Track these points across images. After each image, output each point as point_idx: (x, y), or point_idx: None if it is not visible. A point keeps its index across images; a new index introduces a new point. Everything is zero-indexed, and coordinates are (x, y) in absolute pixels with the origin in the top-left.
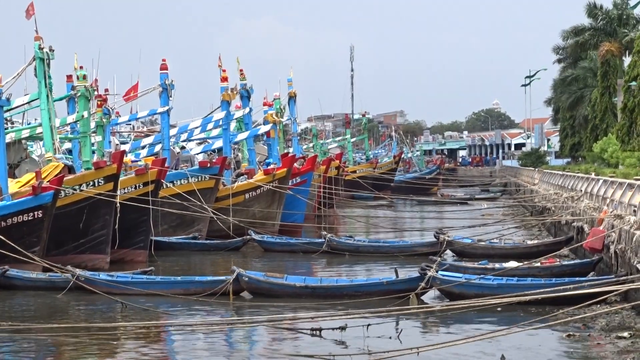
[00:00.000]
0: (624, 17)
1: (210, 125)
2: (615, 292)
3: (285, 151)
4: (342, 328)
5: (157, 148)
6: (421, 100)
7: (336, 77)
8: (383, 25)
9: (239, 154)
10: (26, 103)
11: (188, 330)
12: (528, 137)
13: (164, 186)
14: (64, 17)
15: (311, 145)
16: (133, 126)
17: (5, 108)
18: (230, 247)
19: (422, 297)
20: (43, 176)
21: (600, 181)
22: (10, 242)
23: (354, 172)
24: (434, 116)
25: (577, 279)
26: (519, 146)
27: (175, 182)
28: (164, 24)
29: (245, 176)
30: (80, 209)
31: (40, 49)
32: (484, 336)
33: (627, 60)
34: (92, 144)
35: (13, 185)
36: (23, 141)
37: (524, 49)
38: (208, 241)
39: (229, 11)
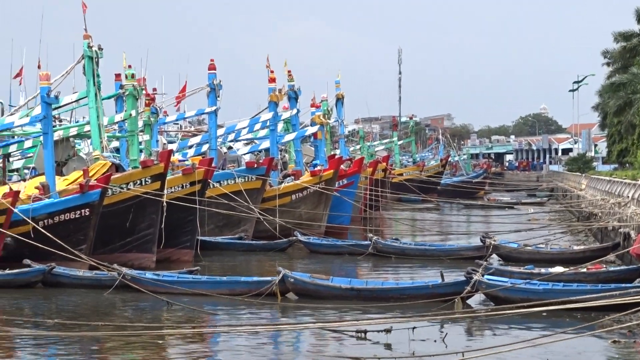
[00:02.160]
0: None
1: (257, 126)
2: None
3: (332, 153)
4: (388, 330)
5: (204, 148)
6: (469, 103)
7: (383, 79)
8: (431, 28)
9: (286, 155)
10: (75, 101)
11: (234, 331)
12: (575, 143)
13: (211, 186)
14: (113, 17)
15: (358, 147)
16: (180, 125)
17: (53, 106)
18: (276, 248)
19: (468, 301)
20: (90, 174)
21: None
22: (57, 240)
23: (401, 174)
24: (482, 120)
25: (623, 285)
26: (566, 151)
27: (222, 182)
28: (211, 26)
29: (292, 177)
30: (127, 208)
31: (89, 47)
32: (529, 342)
33: None
34: (140, 143)
35: (61, 183)
36: (71, 139)
37: (573, 53)
38: (254, 242)
39: (275, 14)
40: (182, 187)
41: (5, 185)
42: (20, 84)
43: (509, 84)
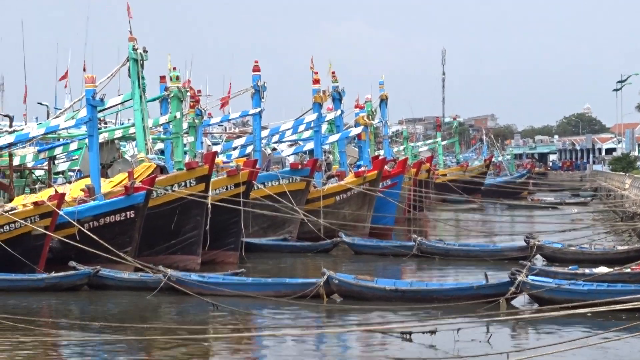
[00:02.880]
0: None
1: (301, 127)
2: None
3: (376, 154)
4: (432, 332)
5: (249, 149)
6: (512, 103)
7: (427, 80)
8: (474, 29)
9: (330, 156)
10: (119, 103)
11: (279, 333)
12: (619, 142)
13: (255, 187)
14: (158, 19)
15: (402, 148)
16: (225, 127)
17: (99, 108)
18: (321, 249)
19: (512, 302)
20: (135, 176)
21: None
22: (102, 242)
23: (445, 175)
24: (525, 120)
25: None
26: (609, 151)
27: (266, 183)
28: (255, 26)
29: (336, 178)
30: (172, 210)
31: (134, 50)
32: (574, 342)
33: None
34: (184, 145)
35: (106, 185)
36: (116, 141)
37: (617, 53)
38: (298, 243)
39: (319, 14)
40: (227, 188)
41: (51, 188)
42: (65, 86)
43: (553, 83)
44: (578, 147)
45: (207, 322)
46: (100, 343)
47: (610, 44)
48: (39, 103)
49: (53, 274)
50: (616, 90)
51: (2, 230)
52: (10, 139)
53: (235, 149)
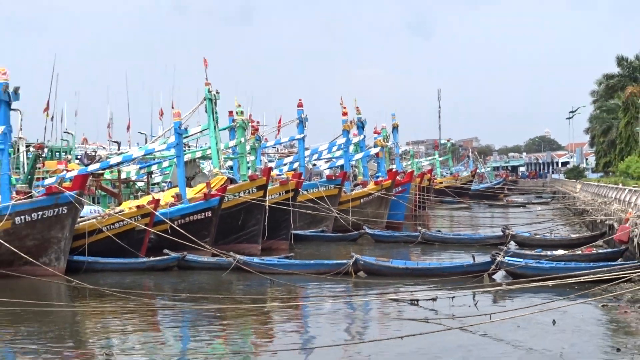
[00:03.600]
0: None
1: (334, 148)
2: (638, 273)
3: (390, 167)
4: (434, 299)
5: (295, 165)
6: (490, 128)
7: (427, 111)
8: (461, 73)
9: (356, 170)
10: (199, 132)
11: (320, 301)
12: (571, 157)
13: (301, 193)
14: (228, 67)
15: (409, 163)
16: (277, 149)
17: (184, 135)
18: (350, 239)
19: (493, 276)
20: (212, 186)
21: (626, 190)
22: (188, 235)
23: (441, 183)
24: (501, 141)
25: (609, 263)
26: (564, 164)
27: (308, 190)
28: (299, 71)
29: (361, 186)
30: (239, 210)
31: (210, 92)
32: (540, 306)
33: None
34: (247, 162)
35: (190, 193)
36: (197, 160)
37: (569, 90)
38: (333, 234)
39: (346, 62)
40: (279, 194)
41: (149, 195)
42: (159, 119)
43: (521, 113)
44: (540, 161)
45: (266, 293)
46: (186, 309)
47: (564, 84)
48: (139, 132)
49: (152, 258)
50: (569, 118)
51: (113, 226)
52: (118, 159)
53: (285, 165)
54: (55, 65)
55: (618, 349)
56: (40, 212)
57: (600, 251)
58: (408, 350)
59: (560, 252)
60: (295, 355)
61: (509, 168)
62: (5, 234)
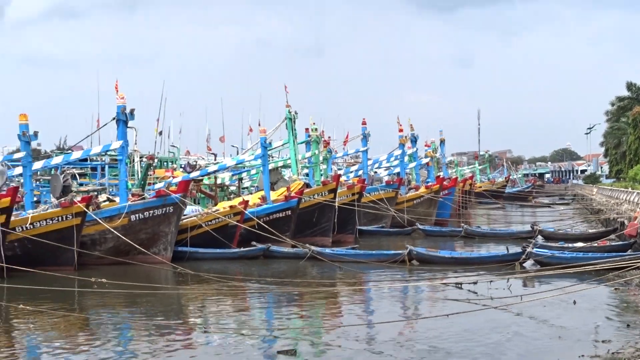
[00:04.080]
0: None
1: (392, 159)
2: None
3: (438, 174)
4: (474, 283)
5: (360, 172)
6: (522, 141)
7: (468, 128)
8: (497, 93)
9: (410, 176)
10: (281, 145)
11: (380, 284)
12: (589, 166)
13: (364, 195)
14: (303, 91)
15: (454, 170)
16: (345, 159)
17: (268, 148)
18: (404, 233)
19: (523, 265)
20: (291, 190)
21: (634, 193)
22: (271, 230)
23: (480, 187)
24: (530, 152)
25: (620, 253)
26: (583, 171)
27: (371, 193)
28: (363, 95)
29: (414, 189)
30: (313, 210)
31: (290, 112)
32: (562, 289)
33: None
34: (320, 170)
35: (273, 195)
36: (279, 168)
37: (587, 109)
38: (391, 229)
39: (400, 86)
40: (347, 197)
41: (240, 197)
42: (248, 134)
43: (547, 128)
44: (563, 169)
45: (335, 277)
46: (270, 291)
47: (583, 105)
48: (232, 145)
49: (242, 249)
50: (587, 133)
51: (211, 223)
52: (215, 167)
53: (351, 172)
54: (164, 91)
55: (628, 325)
56: (151, 211)
57: (613, 244)
58: (453, 326)
59: (579, 244)
60: (359, 330)
61: (537, 175)
62: (123, 229)
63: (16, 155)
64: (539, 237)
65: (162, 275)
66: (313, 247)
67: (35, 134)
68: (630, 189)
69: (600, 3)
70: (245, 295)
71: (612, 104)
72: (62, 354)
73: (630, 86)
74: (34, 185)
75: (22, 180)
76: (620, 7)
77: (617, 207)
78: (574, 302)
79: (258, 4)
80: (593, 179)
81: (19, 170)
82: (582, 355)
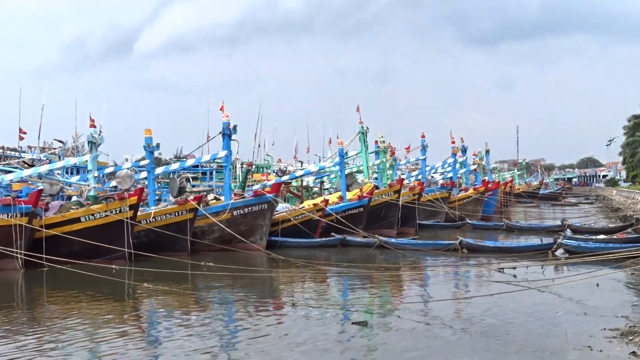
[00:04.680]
0: None
1: (446, 165)
2: None
3: (484, 178)
4: (514, 268)
5: (419, 177)
6: (553, 151)
7: (509, 140)
8: (533, 111)
9: (461, 180)
10: (355, 154)
11: (436, 269)
12: (609, 172)
13: (423, 196)
14: (373, 110)
15: (496, 175)
16: (407, 166)
17: (345, 157)
18: (456, 227)
19: (555, 253)
20: (363, 191)
21: None
22: (347, 223)
23: (519, 189)
24: (560, 160)
25: (636, 244)
26: (604, 176)
27: (428, 194)
28: (421, 112)
29: (464, 191)
30: (381, 207)
31: (362, 127)
32: (588, 274)
33: None
34: (387, 175)
35: (348, 195)
36: (353, 173)
37: (608, 124)
38: (445, 223)
39: (452, 105)
40: (409, 196)
41: (322, 197)
42: (329, 145)
43: (574, 140)
44: (587, 174)
45: (399, 263)
46: (345, 273)
47: (605, 121)
48: (315, 154)
49: (323, 239)
50: (607, 145)
51: (298, 217)
52: (301, 172)
53: (412, 176)
54: (260, 110)
55: None
56: (250, 208)
57: (630, 236)
58: (497, 303)
59: (601, 236)
60: (420, 306)
61: (566, 179)
62: (227, 222)
63: (142, 163)
64: (568, 230)
65: (258, 260)
66: (381, 238)
67: (158, 145)
68: None
69: (618, 38)
70: (325, 277)
71: (629, 121)
72: (179, 324)
73: None
74: (156, 186)
75: (146, 183)
76: (634, 42)
77: (633, 205)
78: (597, 285)
79: (338, 40)
80: (613, 183)
81: (144, 174)
82: (604, 329)
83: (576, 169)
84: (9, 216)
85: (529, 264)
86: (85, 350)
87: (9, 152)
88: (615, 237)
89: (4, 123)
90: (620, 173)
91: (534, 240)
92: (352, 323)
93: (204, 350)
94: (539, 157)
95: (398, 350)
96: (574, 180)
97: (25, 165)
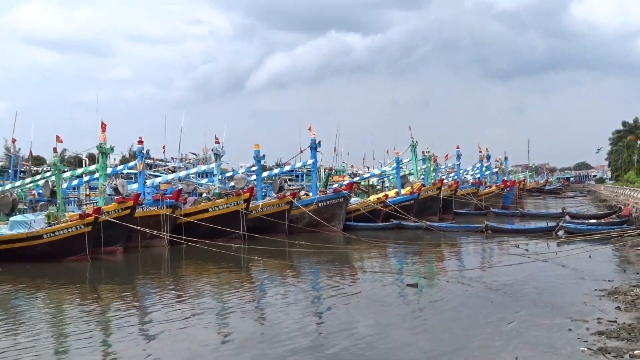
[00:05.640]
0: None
1: (475, 169)
2: (636, 232)
3: (504, 178)
4: (527, 244)
5: (455, 177)
6: (556, 156)
7: (522, 149)
8: (541, 127)
9: (486, 179)
10: (407, 161)
11: (468, 245)
12: (598, 173)
13: (457, 191)
14: (421, 129)
15: (513, 176)
16: (446, 169)
17: (400, 163)
18: (482, 214)
19: (557, 233)
20: (414, 188)
21: (627, 189)
22: (402, 212)
23: (529, 186)
24: (561, 163)
25: (619, 226)
26: (594, 176)
27: (461, 190)
28: (454, 129)
29: (488, 187)
30: (427, 200)
31: (412, 141)
32: (583, 249)
33: None
34: (431, 176)
35: (403, 191)
36: (406, 175)
37: (596, 136)
38: (474, 211)
39: (479, 123)
40: (447, 192)
41: (383, 192)
42: (387, 154)
43: (571, 149)
44: (582, 175)
45: (441, 241)
46: (400, 249)
47: (594, 133)
48: (378, 162)
49: (384, 223)
50: (596, 152)
51: (366, 208)
52: (367, 175)
53: (450, 177)
54: (338, 129)
55: (624, 270)
56: (331, 201)
57: (614, 220)
58: (514, 271)
59: (593, 220)
60: (455, 274)
61: (565, 178)
62: (314, 211)
63: (252, 169)
64: (567, 216)
65: (336, 239)
66: (427, 222)
67: (264, 156)
68: (624, 187)
69: (606, 73)
70: (386, 251)
71: (613, 134)
72: (283, 285)
73: (624, 123)
74: (262, 186)
75: (256, 183)
76: (618, 75)
77: (616, 197)
78: (590, 257)
79: (392, 78)
80: (601, 181)
81: (253, 177)
82: (596, 289)
83: (573, 171)
84: (158, 208)
85: (538, 241)
86: (214, 300)
87: (157, 162)
88: (603, 221)
89: (154, 141)
90: (606, 173)
91: (542, 224)
92: (407, 285)
93: (297, 301)
94: (545, 162)
95: (441, 303)
96: (571, 179)
97: (169, 171)
